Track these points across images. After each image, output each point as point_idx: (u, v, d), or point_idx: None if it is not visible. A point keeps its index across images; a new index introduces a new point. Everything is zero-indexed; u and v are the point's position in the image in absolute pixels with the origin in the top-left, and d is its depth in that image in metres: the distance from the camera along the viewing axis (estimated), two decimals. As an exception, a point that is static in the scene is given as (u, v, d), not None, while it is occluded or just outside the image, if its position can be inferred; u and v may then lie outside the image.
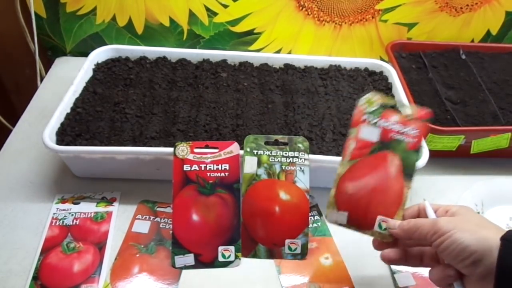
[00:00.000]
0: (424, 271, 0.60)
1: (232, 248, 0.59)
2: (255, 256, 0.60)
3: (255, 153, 0.62)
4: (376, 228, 0.54)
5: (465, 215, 0.49)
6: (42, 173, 0.69)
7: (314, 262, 0.60)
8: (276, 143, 0.64)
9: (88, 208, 0.64)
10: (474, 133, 0.71)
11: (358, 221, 0.55)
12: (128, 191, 0.67)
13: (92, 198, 0.66)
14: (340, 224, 0.55)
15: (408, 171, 0.54)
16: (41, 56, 0.88)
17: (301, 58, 0.82)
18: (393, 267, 0.61)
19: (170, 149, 0.61)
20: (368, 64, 0.82)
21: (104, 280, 0.56)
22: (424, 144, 0.65)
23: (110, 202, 0.66)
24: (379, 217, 0.54)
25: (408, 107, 0.57)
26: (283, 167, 0.62)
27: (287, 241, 0.61)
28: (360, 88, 0.78)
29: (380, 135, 0.55)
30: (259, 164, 0.62)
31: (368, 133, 0.55)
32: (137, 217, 0.64)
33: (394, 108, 0.57)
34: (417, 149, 0.54)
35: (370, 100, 0.56)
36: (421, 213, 0.54)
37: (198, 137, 0.66)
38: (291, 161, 0.62)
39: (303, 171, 0.62)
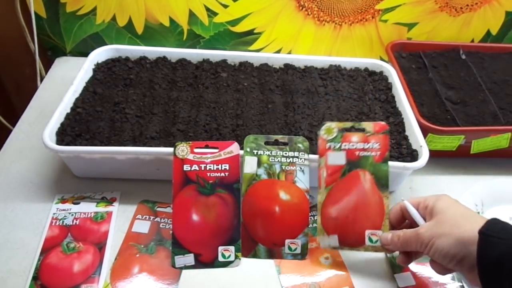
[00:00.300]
0: (424, 271, 0.60)
1: (232, 248, 0.59)
2: (255, 256, 0.60)
3: (255, 153, 0.62)
4: (367, 242, 0.58)
5: (442, 213, 0.51)
6: (42, 173, 0.69)
7: (314, 262, 0.60)
8: (276, 143, 0.64)
9: (88, 208, 0.64)
10: (474, 133, 0.71)
11: (349, 240, 0.58)
12: (128, 191, 0.67)
13: (92, 198, 0.66)
14: (334, 247, 0.59)
15: (381, 182, 0.58)
16: (41, 56, 0.88)
17: (301, 58, 0.82)
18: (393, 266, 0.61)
19: (170, 149, 0.61)
20: (368, 64, 0.82)
21: (104, 280, 0.56)
22: (424, 144, 0.65)
23: (110, 202, 0.66)
24: (367, 232, 0.58)
25: (364, 124, 0.61)
26: (283, 167, 0.62)
27: (287, 241, 0.61)
28: (360, 88, 0.78)
29: (347, 157, 0.59)
30: (259, 164, 0.62)
31: (335, 158, 0.59)
32: (137, 217, 0.64)
33: (352, 129, 0.61)
34: (384, 160, 0.58)
35: (328, 129, 0.60)
36: (404, 212, 0.56)
37: (198, 137, 0.66)
38: (291, 161, 0.62)
39: (303, 171, 0.62)
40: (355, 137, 0.60)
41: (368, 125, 0.60)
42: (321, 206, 0.59)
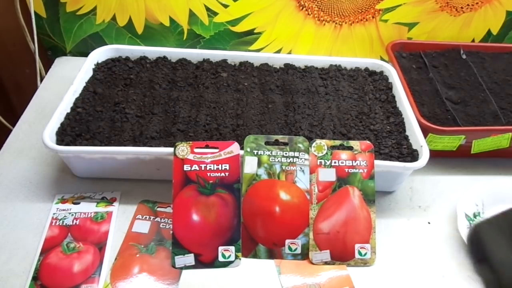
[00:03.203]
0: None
1: (232, 248, 0.59)
2: (255, 256, 0.60)
3: (255, 153, 0.62)
4: (357, 256, 0.60)
5: None
6: (42, 173, 0.69)
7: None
8: (276, 143, 0.64)
9: (88, 208, 0.64)
10: (474, 133, 0.71)
11: (340, 254, 0.60)
12: (128, 191, 0.67)
13: (92, 198, 0.66)
14: (326, 262, 0.60)
15: (368, 198, 0.62)
16: (41, 56, 0.88)
17: (301, 58, 0.82)
18: (394, 267, 0.61)
19: (170, 149, 0.61)
20: (369, 64, 0.82)
21: (104, 280, 0.56)
22: (424, 144, 0.65)
23: (110, 202, 0.65)
24: (357, 245, 0.60)
25: (351, 143, 0.64)
26: (283, 167, 0.62)
27: (287, 241, 0.60)
28: (360, 88, 0.78)
29: (337, 174, 0.62)
30: (259, 164, 0.62)
31: (326, 175, 0.62)
32: (137, 217, 0.64)
33: (340, 147, 0.64)
34: (370, 177, 0.62)
35: (319, 146, 0.63)
36: None
37: (198, 137, 0.66)
38: (291, 161, 0.62)
39: (303, 171, 0.62)
40: (344, 155, 0.63)
41: (355, 144, 0.63)
42: (313, 222, 0.60)
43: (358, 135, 0.69)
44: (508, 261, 0.34)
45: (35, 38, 0.84)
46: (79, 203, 0.65)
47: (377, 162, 0.63)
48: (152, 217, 0.64)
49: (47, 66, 0.91)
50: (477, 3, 0.89)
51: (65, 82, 0.73)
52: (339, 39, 0.92)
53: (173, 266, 0.58)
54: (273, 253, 0.60)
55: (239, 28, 0.90)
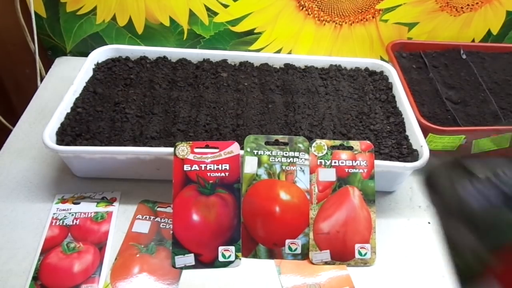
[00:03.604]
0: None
1: (232, 248, 0.59)
2: (255, 256, 0.60)
3: (255, 153, 0.62)
4: (357, 256, 0.60)
5: None
6: (42, 173, 0.69)
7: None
8: (276, 143, 0.64)
9: (88, 208, 0.64)
10: (474, 133, 0.71)
11: (340, 254, 0.60)
12: (128, 191, 0.67)
13: (92, 198, 0.66)
14: (326, 262, 0.60)
15: (368, 198, 0.62)
16: (41, 56, 0.88)
17: (301, 58, 0.82)
18: (394, 267, 0.61)
19: (170, 149, 0.61)
20: (369, 64, 0.82)
21: (104, 280, 0.56)
22: (424, 143, 0.65)
23: (110, 202, 0.65)
24: (357, 245, 0.60)
25: (351, 143, 0.64)
26: (284, 167, 0.62)
27: (287, 241, 0.60)
28: (360, 88, 0.78)
29: (337, 174, 0.62)
30: (260, 164, 0.62)
31: (326, 175, 0.62)
32: (137, 217, 0.64)
33: (340, 147, 0.64)
34: (370, 177, 0.62)
35: (319, 146, 0.63)
36: None
37: (198, 137, 0.66)
38: (292, 161, 0.62)
39: (303, 171, 0.62)
40: (344, 155, 0.63)
41: (355, 144, 0.63)
42: (313, 222, 0.60)
43: (358, 135, 0.69)
44: (449, 187, 0.38)
45: (35, 38, 0.84)
46: (79, 203, 0.65)
47: (377, 162, 0.63)
48: (152, 217, 0.64)
49: (47, 66, 0.91)
50: (477, 3, 0.89)
51: (65, 82, 0.73)
52: (339, 39, 0.92)
53: (173, 266, 0.58)
54: (273, 253, 0.60)
55: (239, 28, 0.90)
